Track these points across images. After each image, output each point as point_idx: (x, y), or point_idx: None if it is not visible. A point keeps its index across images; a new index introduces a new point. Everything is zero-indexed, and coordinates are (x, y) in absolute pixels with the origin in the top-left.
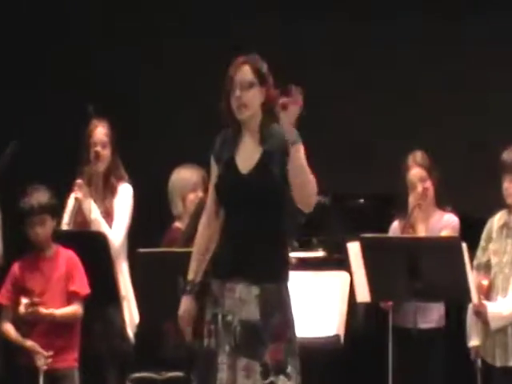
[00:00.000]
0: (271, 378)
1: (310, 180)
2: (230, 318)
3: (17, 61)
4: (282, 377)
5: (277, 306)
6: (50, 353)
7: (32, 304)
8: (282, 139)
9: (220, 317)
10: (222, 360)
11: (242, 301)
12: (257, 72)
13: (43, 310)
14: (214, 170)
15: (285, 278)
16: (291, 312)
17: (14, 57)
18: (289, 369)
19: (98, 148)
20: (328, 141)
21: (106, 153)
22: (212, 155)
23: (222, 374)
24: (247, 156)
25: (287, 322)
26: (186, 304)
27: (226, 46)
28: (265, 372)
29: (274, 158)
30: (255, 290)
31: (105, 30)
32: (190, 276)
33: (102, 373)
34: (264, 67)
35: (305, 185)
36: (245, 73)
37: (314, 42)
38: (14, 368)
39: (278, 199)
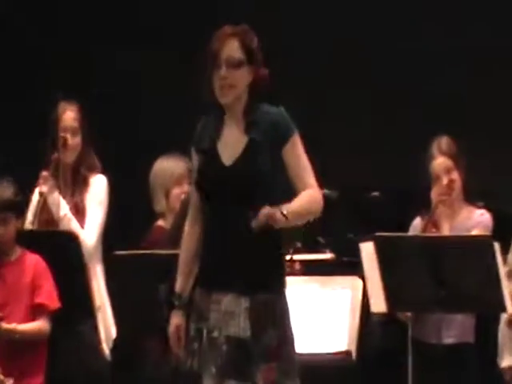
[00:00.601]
0: None
1: (314, 210)
2: (215, 334)
3: None
4: None
5: (270, 320)
6: (11, 380)
7: None
8: (269, 125)
9: (205, 332)
10: (208, 381)
11: (229, 314)
12: (246, 48)
13: (6, 326)
14: (196, 162)
15: (280, 287)
16: (289, 326)
17: None
18: None
19: (67, 135)
20: (337, 127)
21: (75, 141)
22: (192, 146)
23: None
24: (231, 145)
25: (283, 339)
26: (175, 320)
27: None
28: None
29: (262, 147)
30: (245, 302)
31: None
32: (178, 288)
33: None
34: (254, 41)
35: (311, 215)
36: (232, 48)
37: None
38: None
39: (268, 194)
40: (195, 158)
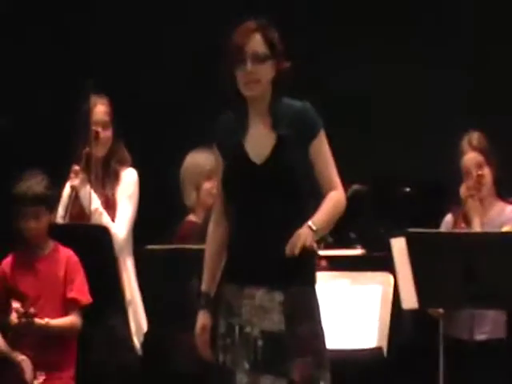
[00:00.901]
0: None
1: (339, 212)
2: (248, 329)
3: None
4: None
5: (304, 314)
6: (43, 376)
7: (26, 314)
8: (297, 120)
9: (237, 328)
10: (241, 380)
11: (264, 309)
12: (269, 42)
13: (39, 321)
14: (220, 161)
15: (312, 281)
16: (320, 320)
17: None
18: (322, 382)
19: (98, 128)
20: (367, 118)
21: (106, 134)
22: (215, 145)
23: None
24: (258, 142)
25: (316, 332)
26: (202, 320)
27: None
28: None
29: (291, 143)
30: (279, 296)
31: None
32: (204, 287)
33: None
34: (276, 35)
35: (337, 218)
36: (256, 43)
37: None
38: None
39: (300, 190)
40: (220, 157)
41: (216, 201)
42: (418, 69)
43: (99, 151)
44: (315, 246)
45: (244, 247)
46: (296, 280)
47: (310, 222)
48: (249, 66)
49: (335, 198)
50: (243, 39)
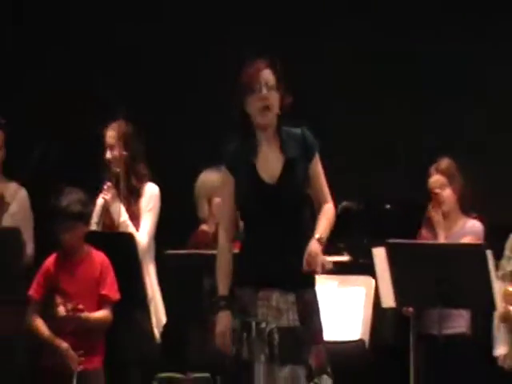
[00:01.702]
0: (315, 380)
1: (333, 222)
2: (263, 325)
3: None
4: (325, 376)
5: (313, 311)
6: (82, 355)
7: (74, 309)
8: (300, 143)
9: (253, 325)
10: (259, 369)
11: (280, 309)
12: (277, 76)
13: (84, 315)
14: (229, 180)
15: (315, 283)
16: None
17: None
18: (329, 368)
19: (106, 153)
20: (358, 144)
21: (114, 154)
22: (225, 165)
23: (260, 383)
24: (270, 165)
25: (322, 325)
26: (224, 320)
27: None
28: (309, 374)
29: (298, 165)
30: (291, 297)
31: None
32: (223, 291)
33: (128, 374)
34: (281, 71)
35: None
36: (268, 75)
37: None
38: (37, 369)
39: (305, 206)
40: (229, 177)
41: (224, 214)
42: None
43: (115, 169)
44: (331, 266)
45: (259, 255)
46: (304, 283)
47: (317, 236)
48: (264, 91)
49: (331, 211)
50: (257, 71)
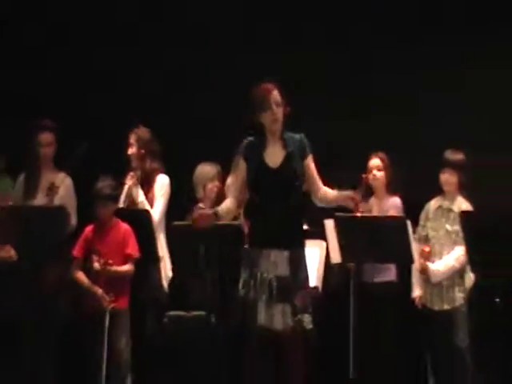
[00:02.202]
0: (299, 316)
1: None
2: (265, 275)
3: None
4: (306, 315)
5: (301, 265)
6: (112, 297)
7: (105, 263)
8: (298, 144)
9: (258, 275)
10: (261, 306)
11: (276, 263)
12: (282, 95)
13: (112, 268)
14: (241, 165)
15: (303, 244)
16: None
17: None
18: (310, 309)
19: (128, 150)
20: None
21: (133, 151)
22: (239, 155)
23: (261, 316)
24: (274, 156)
25: (307, 276)
26: (205, 211)
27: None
28: (294, 312)
29: (295, 158)
30: (285, 254)
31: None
32: (219, 208)
33: (145, 312)
34: (282, 91)
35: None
36: (276, 95)
37: None
38: (81, 309)
39: (299, 186)
40: (242, 163)
41: (235, 188)
42: None
43: (133, 164)
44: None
45: (263, 222)
46: (296, 244)
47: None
48: (274, 109)
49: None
50: (268, 93)
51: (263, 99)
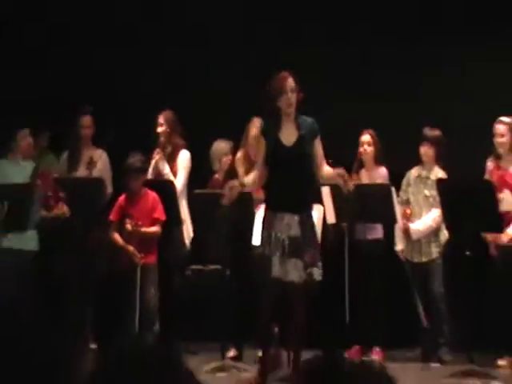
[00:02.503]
0: (309, 270)
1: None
2: (279, 235)
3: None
4: (315, 269)
5: (310, 226)
6: (142, 254)
7: (136, 225)
8: (309, 127)
9: (273, 235)
10: (275, 261)
11: (289, 225)
12: (296, 82)
13: (142, 229)
14: (263, 143)
15: (311, 209)
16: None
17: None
18: (319, 263)
19: (157, 128)
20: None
21: (162, 130)
22: (262, 134)
23: (276, 268)
24: (288, 136)
25: (315, 235)
26: (232, 183)
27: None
28: (305, 266)
29: (307, 138)
30: (296, 217)
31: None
32: (244, 180)
33: (171, 267)
34: (297, 79)
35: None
36: (291, 82)
37: None
38: (117, 264)
39: (308, 162)
40: (263, 141)
41: (259, 162)
42: None
43: (161, 140)
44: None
45: (278, 191)
46: (305, 209)
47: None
48: (289, 94)
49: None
50: (284, 80)
51: (280, 86)
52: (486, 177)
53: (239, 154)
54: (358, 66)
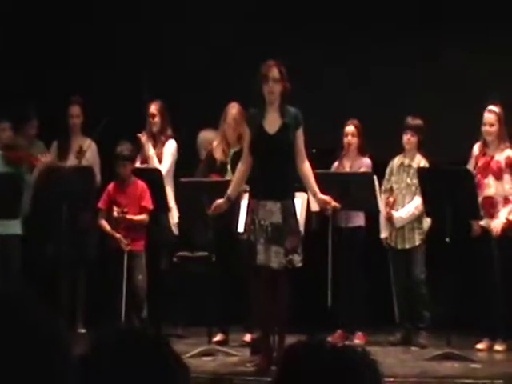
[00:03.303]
0: (290, 256)
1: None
2: (262, 222)
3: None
4: (296, 255)
5: (291, 214)
6: (129, 241)
7: (122, 212)
8: (293, 117)
9: (257, 221)
10: (259, 247)
11: (271, 212)
12: (281, 72)
13: (128, 216)
14: (247, 132)
15: (293, 196)
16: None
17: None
18: (299, 250)
19: (150, 118)
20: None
21: (156, 120)
22: (246, 123)
23: (260, 255)
24: (272, 124)
25: (297, 223)
26: (222, 201)
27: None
28: (286, 253)
29: (290, 127)
30: (278, 205)
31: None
32: (229, 192)
33: (158, 253)
34: (283, 68)
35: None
36: (274, 72)
37: None
38: (105, 250)
39: (290, 151)
40: (247, 130)
41: (244, 153)
42: None
43: (153, 129)
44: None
45: (260, 179)
46: (287, 196)
47: (319, 193)
48: (271, 83)
49: (310, 169)
50: (267, 69)
51: (264, 74)
52: (471, 162)
53: (215, 143)
54: (344, 56)
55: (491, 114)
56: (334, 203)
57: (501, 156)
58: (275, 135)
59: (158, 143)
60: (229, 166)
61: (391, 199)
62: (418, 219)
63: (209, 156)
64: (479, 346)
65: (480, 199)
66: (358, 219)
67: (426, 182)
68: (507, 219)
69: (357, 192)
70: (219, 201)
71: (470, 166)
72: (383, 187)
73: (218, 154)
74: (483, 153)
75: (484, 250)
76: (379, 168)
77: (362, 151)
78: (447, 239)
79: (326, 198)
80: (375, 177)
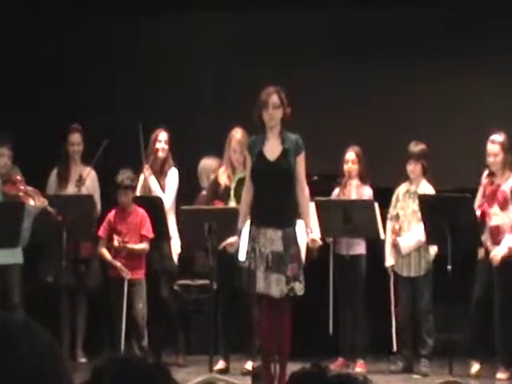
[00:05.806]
0: (291, 284)
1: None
2: (263, 250)
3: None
4: (297, 283)
5: (293, 242)
6: (130, 269)
7: (123, 241)
8: (294, 143)
9: (257, 249)
10: (259, 275)
11: (272, 239)
12: (281, 99)
13: (129, 245)
14: (249, 160)
15: (295, 224)
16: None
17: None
18: (301, 278)
19: (159, 153)
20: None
21: (162, 147)
22: (248, 150)
23: (260, 284)
24: (273, 150)
25: (299, 251)
26: (236, 238)
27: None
28: (287, 281)
29: (290, 153)
30: (279, 233)
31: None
32: (240, 225)
33: (159, 282)
34: (283, 94)
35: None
36: (274, 99)
37: None
38: (105, 279)
39: (291, 177)
40: (249, 157)
41: (247, 181)
42: None
43: (159, 160)
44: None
45: (261, 206)
46: (288, 224)
47: (311, 233)
48: (270, 110)
49: (308, 200)
50: (267, 96)
51: (264, 101)
52: (480, 190)
53: (221, 169)
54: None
55: (495, 145)
56: (318, 243)
57: (506, 185)
58: (275, 162)
59: (162, 174)
60: (232, 192)
61: (397, 226)
62: (424, 247)
63: (214, 182)
64: (501, 375)
65: (488, 228)
66: (359, 247)
67: (427, 208)
68: (509, 248)
69: (358, 219)
70: (231, 239)
71: (479, 195)
72: (389, 214)
73: (223, 179)
74: (491, 182)
75: (486, 277)
76: (381, 194)
77: (363, 178)
78: (448, 267)
79: (316, 237)
80: (376, 204)
